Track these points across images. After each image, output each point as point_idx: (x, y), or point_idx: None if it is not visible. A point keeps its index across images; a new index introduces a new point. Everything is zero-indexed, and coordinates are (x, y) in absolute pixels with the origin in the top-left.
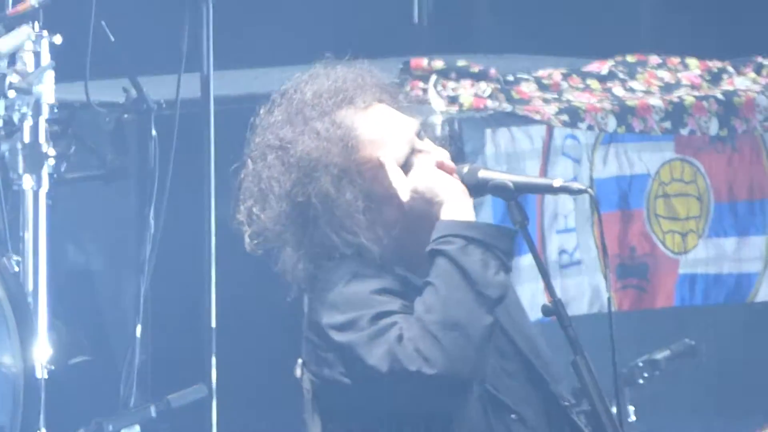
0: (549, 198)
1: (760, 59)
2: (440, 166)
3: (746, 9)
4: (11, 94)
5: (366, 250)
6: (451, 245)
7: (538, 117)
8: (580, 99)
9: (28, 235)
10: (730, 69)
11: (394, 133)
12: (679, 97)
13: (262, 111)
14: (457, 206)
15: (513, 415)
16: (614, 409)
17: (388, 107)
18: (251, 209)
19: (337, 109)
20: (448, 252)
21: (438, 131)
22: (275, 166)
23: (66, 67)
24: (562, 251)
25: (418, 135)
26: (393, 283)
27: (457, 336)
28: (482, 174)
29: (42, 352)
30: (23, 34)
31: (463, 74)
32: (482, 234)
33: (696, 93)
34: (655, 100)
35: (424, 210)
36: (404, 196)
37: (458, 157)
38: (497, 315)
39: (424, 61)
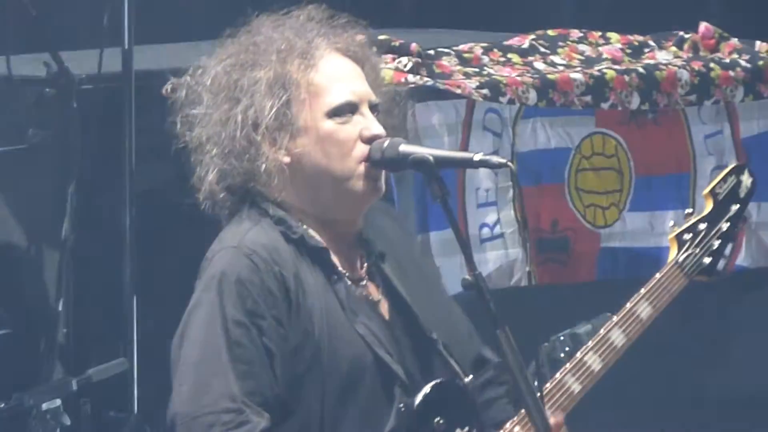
0: (470, 172)
1: (681, 33)
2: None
3: None
4: None
5: (266, 178)
6: None
7: (459, 91)
8: (501, 73)
9: None
10: (652, 43)
11: (350, 78)
12: (600, 71)
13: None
14: None
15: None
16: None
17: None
18: (187, 113)
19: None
20: None
21: None
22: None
23: None
24: (482, 225)
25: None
26: (262, 297)
27: None
28: (402, 148)
29: None
30: None
31: (383, 48)
32: None
33: (617, 67)
34: (576, 74)
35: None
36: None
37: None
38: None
39: None
